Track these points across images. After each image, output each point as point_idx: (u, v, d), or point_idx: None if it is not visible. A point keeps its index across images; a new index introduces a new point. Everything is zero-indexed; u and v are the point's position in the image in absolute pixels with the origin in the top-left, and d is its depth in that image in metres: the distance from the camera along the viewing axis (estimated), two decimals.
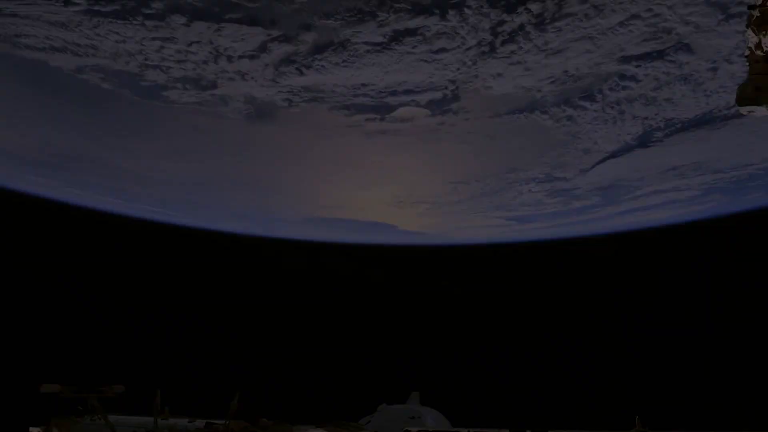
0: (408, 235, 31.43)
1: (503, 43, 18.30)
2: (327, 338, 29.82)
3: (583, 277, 29.90)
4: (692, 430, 11.39)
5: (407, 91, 20.51)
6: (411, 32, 17.92)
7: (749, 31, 7.08)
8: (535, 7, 17.10)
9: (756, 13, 6.99)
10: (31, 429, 10.98)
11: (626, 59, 19.03)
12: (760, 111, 7.09)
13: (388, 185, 27.21)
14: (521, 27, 17.76)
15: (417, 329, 30.66)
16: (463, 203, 27.93)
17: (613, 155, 24.03)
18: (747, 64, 7.24)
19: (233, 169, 26.38)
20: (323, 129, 22.69)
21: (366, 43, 18.31)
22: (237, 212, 30.42)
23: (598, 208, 28.02)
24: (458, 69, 19.29)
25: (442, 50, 18.52)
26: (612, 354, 27.74)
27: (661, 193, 26.53)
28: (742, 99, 7.09)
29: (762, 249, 25.70)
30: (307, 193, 28.15)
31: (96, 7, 17.05)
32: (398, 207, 28.63)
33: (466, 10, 17.22)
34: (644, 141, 23.13)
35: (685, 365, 26.96)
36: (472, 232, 30.81)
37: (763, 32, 6.95)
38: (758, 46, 7.06)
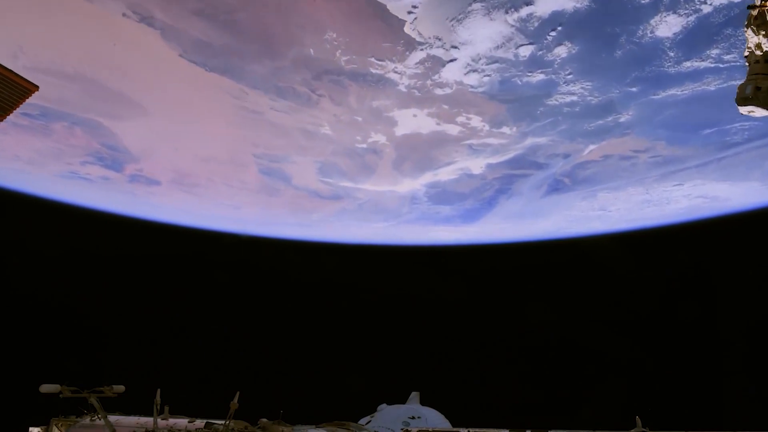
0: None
1: None
2: (327, 338, 29.79)
3: (584, 277, 29.85)
4: (692, 430, 11.38)
5: None
6: None
7: (749, 31, 7.08)
8: None
9: (755, 13, 6.99)
10: (31, 429, 10.98)
11: None
12: (760, 111, 7.08)
13: None
14: None
15: (417, 329, 30.63)
16: None
17: None
18: (747, 64, 7.24)
19: None
20: None
21: None
22: None
23: None
24: None
25: None
26: (612, 354, 27.71)
27: None
28: (742, 99, 7.09)
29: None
30: None
31: None
32: None
33: None
34: None
35: (685, 365, 26.94)
36: None
37: (763, 32, 6.95)
38: (758, 46, 7.06)
